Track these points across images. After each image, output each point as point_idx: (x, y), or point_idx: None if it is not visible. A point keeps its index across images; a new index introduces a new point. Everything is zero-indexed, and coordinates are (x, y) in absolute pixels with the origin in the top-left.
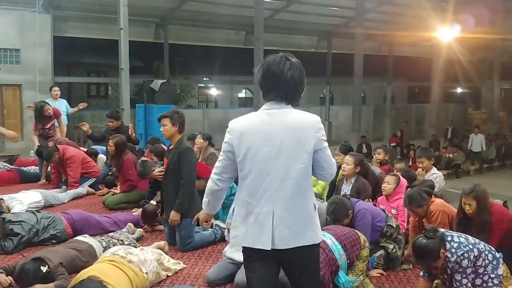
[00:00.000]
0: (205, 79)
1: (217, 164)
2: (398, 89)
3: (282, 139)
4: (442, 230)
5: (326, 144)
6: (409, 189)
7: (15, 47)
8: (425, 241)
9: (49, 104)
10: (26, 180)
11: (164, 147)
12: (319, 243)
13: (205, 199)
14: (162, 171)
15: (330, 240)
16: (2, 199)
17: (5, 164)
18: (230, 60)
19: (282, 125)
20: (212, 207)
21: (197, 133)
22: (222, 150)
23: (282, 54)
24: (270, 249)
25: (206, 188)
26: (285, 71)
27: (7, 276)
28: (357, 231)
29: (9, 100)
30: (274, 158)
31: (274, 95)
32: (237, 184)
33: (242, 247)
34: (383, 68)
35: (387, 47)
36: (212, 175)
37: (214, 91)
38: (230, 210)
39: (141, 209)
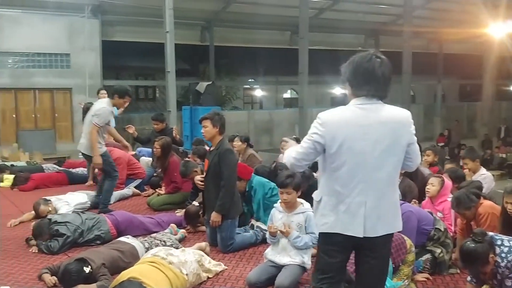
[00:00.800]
0: (250, 80)
1: (299, 149)
2: (449, 87)
3: (378, 133)
4: (491, 233)
5: (415, 138)
6: (457, 190)
7: (65, 52)
8: (473, 245)
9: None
10: (74, 181)
11: (206, 148)
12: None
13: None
14: (202, 180)
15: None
16: (49, 200)
17: (54, 165)
18: (275, 61)
19: (377, 120)
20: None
21: (237, 134)
22: (308, 138)
23: (372, 51)
24: (362, 236)
25: (287, 163)
26: (376, 67)
27: (52, 276)
28: (403, 235)
29: (60, 103)
30: (370, 151)
31: (366, 91)
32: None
33: (323, 233)
34: (433, 66)
35: (436, 45)
36: (291, 157)
37: (259, 92)
38: (271, 213)
39: (184, 210)
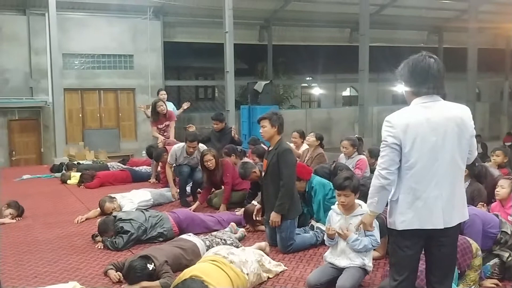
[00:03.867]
0: (308, 78)
1: (382, 159)
2: None
3: (446, 129)
4: None
5: (475, 131)
6: None
7: (129, 53)
8: None
9: (164, 102)
10: (138, 179)
11: (264, 147)
12: None
13: (372, 199)
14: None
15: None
16: (114, 197)
17: (118, 164)
18: (334, 58)
19: (443, 116)
20: (381, 205)
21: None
22: (385, 145)
23: (424, 52)
24: (442, 227)
25: (373, 187)
26: (432, 65)
27: (116, 272)
28: (468, 239)
29: (124, 103)
30: (441, 146)
31: (426, 89)
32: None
33: (394, 229)
34: (500, 62)
35: (503, 40)
36: (378, 171)
37: (317, 91)
38: (329, 215)
39: (243, 209)
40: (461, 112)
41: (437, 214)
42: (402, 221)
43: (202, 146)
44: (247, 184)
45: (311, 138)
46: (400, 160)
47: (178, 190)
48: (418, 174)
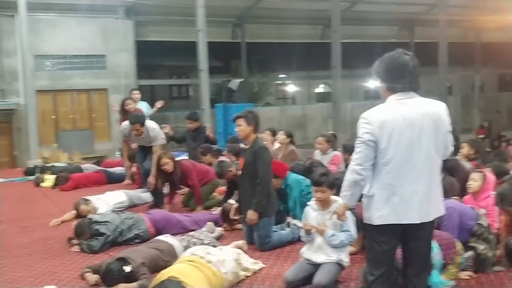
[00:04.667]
0: (282, 76)
1: (356, 156)
2: (487, 77)
3: (422, 124)
4: None
5: (451, 127)
6: (500, 186)
7: (101, 53)
8: None
9: (132, 100)
10: (113, 180)
11: (242, 146)
12: None
13: (346, 192)
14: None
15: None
16: (89, 200)
17: (93, 165)
18: (307, 56)
19: (419, 112)
20: (354, 199)
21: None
22: (360, 141)
23: (399, 49)
24: (419, 222)
25: (347, 181)
26: (407, 62)
27: (93, 274)
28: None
29: (97, 104)
30: (417, 142)
31: (402, 85)
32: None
33: (370, 224)
34: (470, 56)
35: (473, 34)
36: (353, 166)
37: (291, 88)
38: (305, 211)
39: (220, 208)
40: (437, 108)
41: (414, 209)
42: (378, 216)
43: (152, 128)
44: (212, 174)
45: (281, 136)
46: (375, 157)
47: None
48: (395, 170)
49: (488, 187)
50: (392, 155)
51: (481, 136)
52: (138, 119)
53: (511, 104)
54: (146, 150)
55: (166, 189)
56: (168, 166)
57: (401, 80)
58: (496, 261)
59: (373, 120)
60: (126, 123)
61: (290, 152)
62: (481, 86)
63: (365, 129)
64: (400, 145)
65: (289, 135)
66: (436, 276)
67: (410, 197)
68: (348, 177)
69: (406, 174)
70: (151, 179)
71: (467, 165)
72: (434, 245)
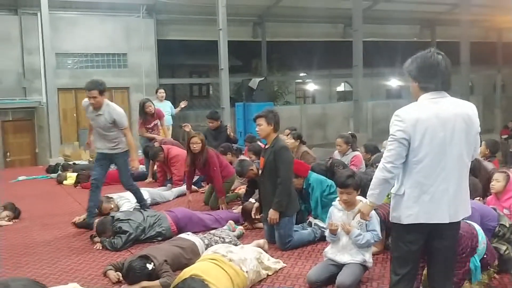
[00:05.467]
0: (302, 74)
1: (388, 153)
2: (509, 77)
3: (454, 124)
4: None
5: (480, 128)
6: None
7: (122, 52)
8: None
9: (152, 102)
10: (134, 178)
11: (261, 144)
12: None
13: (374, 191)
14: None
15: (476, 226)
16: (111, 197)
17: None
18: (328, 54)
19: (452, 112)
20: (382, 197)
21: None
22: (393, 138)
23: (432, 48)
24: (448, 222)
25: (376, 179)
26: (440, 61)
27: (116, 272)
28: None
29: (118, 102)
30: (449, 141)
31: (434, 85)
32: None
33: (403, 224)
34: (492, 55)
35: (495, 33)
36: (383, 164)
37: (311, 86)
38: (330, 211)
39: (241, 207)
40: (468, 109)
41: (443, 208)
42: (408, 215)
43: (116, 109)
44: (230, 171)
45: (289, 140)
46: (407, 155)
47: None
48: (427, 169)
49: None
50: (425, 154)
51: (505, 136)
52: (96, 85)
53: None
54: (106, 156)
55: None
56: (197, 147)
57: (433, 79)
58: None
59: (406, 118)
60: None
61: (303, 154)
62: (503, 86)
63: (398, 127)
64: (433, 144)
65: (298, 137)
66: (476, 261)
67: (441, 196)
68: (378, 175)
69: (437, 174)
70: (135, 164)
71: (489, 165)
72: (482, 234)
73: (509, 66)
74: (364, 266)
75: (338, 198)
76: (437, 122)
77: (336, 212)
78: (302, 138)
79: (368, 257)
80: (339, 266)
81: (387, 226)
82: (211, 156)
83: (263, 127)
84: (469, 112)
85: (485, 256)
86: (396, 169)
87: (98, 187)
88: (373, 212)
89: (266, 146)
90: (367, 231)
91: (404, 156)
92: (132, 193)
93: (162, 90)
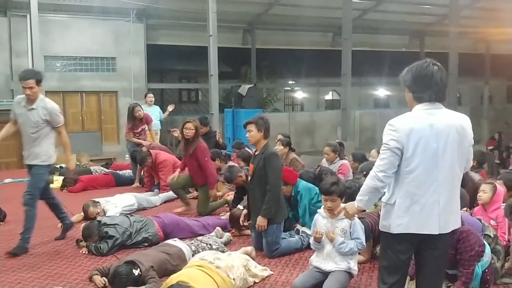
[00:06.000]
0: (291, 82)
1: (381, 162)
2: (497, 88)
3: (447, 136)
4: None
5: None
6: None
7: (111, 56)
8: None
9: (141, 107)
10: (121, 183)
11: (249, 151)
12: None
13: (363, 197)
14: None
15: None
16: (98, 202)
17: (101, 168)
18: (317, 63)
19: (446, 123)
20: (370, 204)
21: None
22: (386, 148)
23: (428, 59)
24: (438, 233)
25: (366, 187)
26: (435, 73)
27: (101, 277)
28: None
29: (107, 106)
30: (442, 153)
31: (428, 96)
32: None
33: (393, 234)
34: (480, 67)
35: (483, 45)
36: (375, 173)
37: (300, 94)
38: (315, 218)
39: (229, 213)
40: (462, 121)
41: (434, 219)
42: (398, 224)
43: (51, 104)
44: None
45: (279, 147)
46: (399, 165)
47: None
48: (419, 179)
49: (498, 199)
50: (417, 164)
51: (490, 147)
52: (33, 74)
53: None
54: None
55: None
56: (190, 132)
57: (428, 90)
58: (504, 272)
59: (400, 128)
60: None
61: (291, 161)
62: (490, 98)
63: (392, 136)
64: (426, 155)
65: (287, 144)
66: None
67: (432, 207)
68: (369, 182)
69: (429, 184)
70: (70, 164)
71: (476, 176)
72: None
73: (496, 77)
74: (349, 274)
75: (322, 206)
76: (430, 133)
77: (321, 220)
78: (291, 145)
79: (353, 265)
80: (325, 274)
81: (374, 235)
82: (203, 148)
83: (253, 134)
84: (463, 123)
85: (486, 271)
86: (388, 179)
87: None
88: (357, 220)
89: (256, 153)
90: (351, 239)
91: (396, 166)
92: (49, 205)
93: (151, 95)
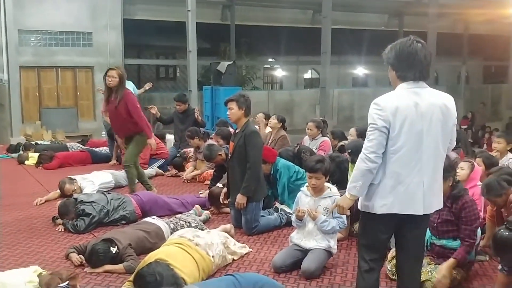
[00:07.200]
0: (270, 60)
1: (370, 143)
2: (473, 68)
3: (431, 116)
4: None
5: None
6: (488, 176)
7: (87, 30)
8: (507, 233)
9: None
10: (98, 160)
11: (230, 130)
12: None
13: (356, 183)
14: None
15: None
16: (74, 179)
17: (78, 144)
18: (296, 40)
19: (431, 102)
20: (364, 189)
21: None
22: (374, 128)
23: (412, 36)
24: (422, 214)
25: (358, 171)
26: (419, 50)
27: (78, 255)
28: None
29: (82, 82)
30: (426, 132)
31: (412, 74)
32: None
33: (368, 212)
34: (457, 47)
35: (462, 25)
36: (365, 154)
37: (279, 72)
38: (297, 196)
39: (207, 191)
40: (446, 100)
41: (419, 200)
42: (382, 204)
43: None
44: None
45: (273, 120)
46: (386, 144)
47: None
48: (403, 159)
49: (475, 177)
50: (402, 144)
51: (464, 126)
52: None
53: (495, 96)
54: None
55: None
56: (113, 81)
57: (411, 68)
58: (480, 250)
59: (386, 107)
60: None
61: (281, 137)
62: (467, 77)
63: (379, 116)
64: (411, 134)
65: (281, 120)
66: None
67: (416, 187)
68: (361, 165)
69: (413, 164)
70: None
71: (453, 154)
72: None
73: (474, 57)
74: (329, 252)
75: (306, 184)
76: (416, 112)
77: (304, 198)
78: (284, 122)
79: (333, 244)
80: (304, 252)
81: (352, 213)
82: (131, 97)
83: (234, 111)
84: (447, 103)
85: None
86: (379, 158)
87: None
88: (339, 198)
89: (237, 131)
90: (333, 217)
91: (384, 145)
92: None
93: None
